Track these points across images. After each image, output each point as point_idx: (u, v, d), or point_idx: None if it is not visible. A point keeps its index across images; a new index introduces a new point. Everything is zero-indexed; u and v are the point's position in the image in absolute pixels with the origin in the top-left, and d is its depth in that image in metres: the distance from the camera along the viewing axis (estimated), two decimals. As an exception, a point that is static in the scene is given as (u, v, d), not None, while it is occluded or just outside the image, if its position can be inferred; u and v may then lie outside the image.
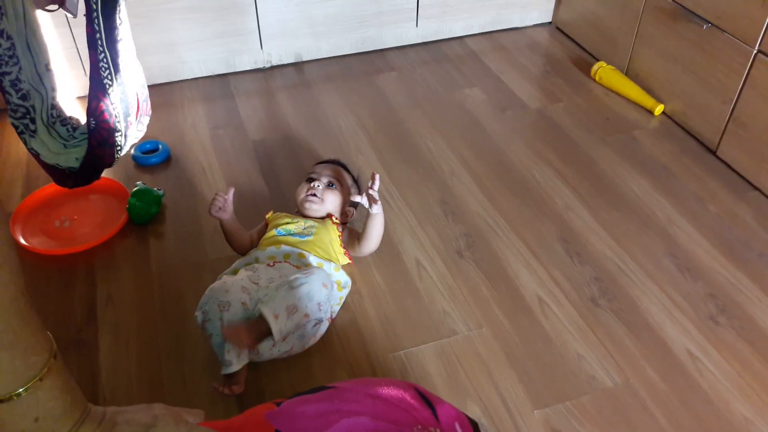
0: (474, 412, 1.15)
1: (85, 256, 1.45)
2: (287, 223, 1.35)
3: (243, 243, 1.38)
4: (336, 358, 1.24)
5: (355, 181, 1.49)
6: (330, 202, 1.38)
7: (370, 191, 1.30)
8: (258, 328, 1.11)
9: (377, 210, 1.32)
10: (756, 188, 1.63)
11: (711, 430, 1.13)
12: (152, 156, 1.72)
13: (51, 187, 1.60)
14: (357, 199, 1.33)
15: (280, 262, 1.26)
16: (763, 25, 1.51)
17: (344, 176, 1.44)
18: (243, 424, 0.81)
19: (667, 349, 1.26)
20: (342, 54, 2.19)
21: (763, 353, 1.25)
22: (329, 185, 1.40)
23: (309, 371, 1.22)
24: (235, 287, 1.16)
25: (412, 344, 1.26)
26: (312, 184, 1.39)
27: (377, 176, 1.31)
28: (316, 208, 1.37)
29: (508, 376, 1.21)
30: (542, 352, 1.25)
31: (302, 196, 1.39)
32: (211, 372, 1.19)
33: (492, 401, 1.17)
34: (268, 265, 1.26)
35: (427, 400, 0.72)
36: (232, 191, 1.34)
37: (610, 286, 1.38)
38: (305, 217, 1.38)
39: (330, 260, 1.31)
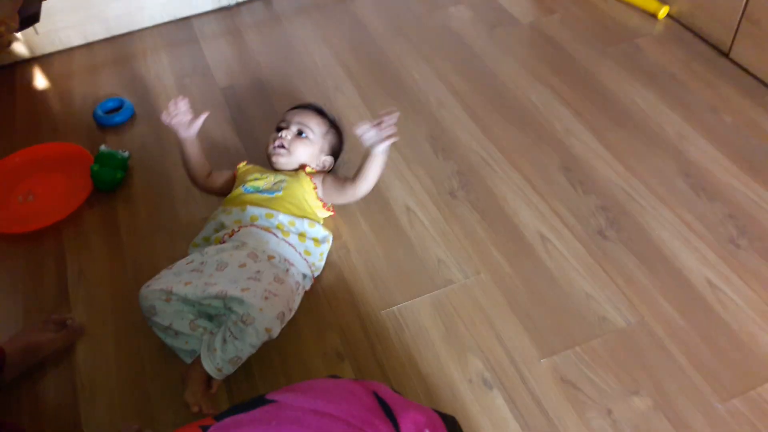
0: (476, 366, 1.06)
1: (52, 232, 1.35)
2: (256, 179, 1.23)
3: (198, 174, 1.29)
4: (325, 320, 1.15)
5: (334, 124, 1.35)
6: (300, 152, 1.26)
7: (386, 120, 1.14)
8: (198, 377, 1.03)
9: (381, 150, 1.16)
10: (775, 91, 1.49)
11: (735, 365, 1.04)
12: (115, 115, 1.59)
13: (9, 160, 1.49)
14: (363, 131, 1.14)
15: (247, 226, 1.15)
16: None
17: (317, 121, 1.30)
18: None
19: (683, 280, 1.15)
20: (314, -19, 2.01)
21: (790, 276, 1.14)
22: (299, 134, 1.27)
23: (297, 338, 1.13)
24: (169, 311, 1.05)
25: (405, 298, 1.17)
26: (279, 134, 1.26)
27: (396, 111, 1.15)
28: (284, 161, 1.25)
29: (511, 324, 1.11)
30: (547, 295, 1.15)
31: (269, 148, 1.27)
32: (191, 347, 1.10)
33: (495, 353, 1.08)
34: (228, 235, 1.15)
35: (388, 409, 0.61)
36: (203, 116, 1.24)
37: (618, 215, 1.26)
38: (277, 171, 1.26)
39: (304, 216, 1.20)
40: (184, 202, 1.39)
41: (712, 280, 1.15)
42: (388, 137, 1.14)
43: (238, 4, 1.96)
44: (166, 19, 1.91)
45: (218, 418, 0.67)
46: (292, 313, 1.10)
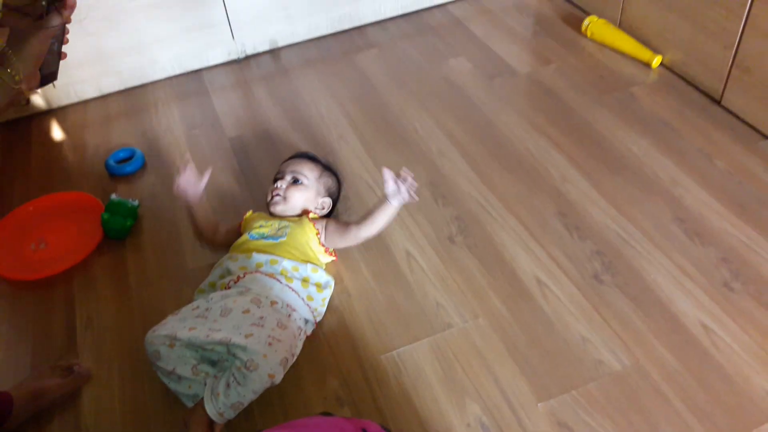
0: (474, 411, 1.08)
1: (63, 279, 1.39)
2: (260, 226, 1.27)
3: (207, 232, 1.36)
4: (326, 365, 1.17)
5: (327, 168, 1.40)
6: (296, 198, 1.31)
7: (410, 180, 1.21)
8: (201, 420, 1.05)
9: (397, 203, 1.23)
10: (766, 137, 1.52)
11: (731, 408, 1.04)
12: (126, 165, 1.64)
13: (23, 209, 1.55)
14: (388, 178, 1.21)
15: (251, 273, 1.19)
16: (760, -40, 1.39)
17: (310, 167, 1.36)
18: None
19: (678, 324, 1.17)
20: (319, 35, 2.09)
21: (784, 319, 1.16)
22: (294, 182, 1.32)
23: (298, 382, 1.15)
24: (173, 356, 1.08)
25: (404, 342, 1.19)
26: (275, 185, 1.32)
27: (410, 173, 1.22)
28: (281, 209, 1.31)
29: (509, 369, 1.13)
30: (544, 339, 1.17)
31: (268, 198, 1.33)
32: (195, 392, 1.13)
33: (492, 398, 1.09)
34: (233, 281, 1.19)
35: None
36: (207, 174, 1.30)
37: (613, 260, 1.29)
38: (280, 217, 1.30)
39: (307, 261, 1.23)
40: (191, 249, 1.43)
41: (707, 323, 1.17)
42: (409, 196, 1.21)
43: (247, 57, 2.04)
44: (178, 71, 1.99)
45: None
46: (295, 357, 1.12)
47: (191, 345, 1.08)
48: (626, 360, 1.12)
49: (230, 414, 1.05)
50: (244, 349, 1.03)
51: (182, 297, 1.30)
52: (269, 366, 1.03)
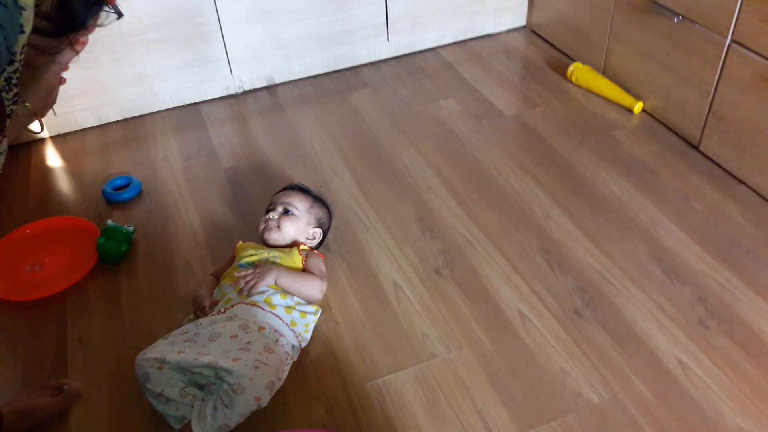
0: (456, 439, 1.10)
1: (56, 300, 1.42)
2: (250, 255, 1.31)
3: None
4: (311, 391, 1.20)
5: (318, 199, 1.45)
6: (288, 227, 1.35)
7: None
8: None
9: (261, 287, 1.25)
10: (741, 182, 1.58)
11: (704, 442, 1.08)
12: (123, 192, 1.68)
13: (20, 232, 1.58)
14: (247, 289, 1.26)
15: (237, 304, 1.22)
16: (733, 15, 1.47)
17: (301, 198, 1.41)
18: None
19: (655, 359, 1.21)
20: (315, 74, 2.16)
21: (756, 356, 1.20)
22: (285, 212, 1.37)
23: (284, 408, 1.17)
24: (161, 378, 1.11)
25: (390, 371, 1.22)
26: (268, 215, 1.37)
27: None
28: (274, 237, 1.35)
29: (491, 398, 1.16)
30: (525, 370, 1.20)
31: (260, 228, 1.37)
32: (182, 415, 1.15)
33: (474, 426, 1.12)
34: (219, 311, 1.21)
35: None
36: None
37: (593, 296, 1.33)
38: (271, 247, 1.34)
39: None
40: (183, 276, 1.46)
41: (683, 359, 1.20)
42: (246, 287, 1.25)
43: (244, 93, 2.10)
44: (177, 104, 2.05)
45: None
46: (281, 382, 1.15)
47: (180, 368, 1.10)
48: (604, 393, 1.16)
49: None
50: (230, 372, 1.05)
51: (173, 322, 1.33)
52: (256, 389, 1.05)
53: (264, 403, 1.07)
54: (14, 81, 0.82)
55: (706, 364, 1.19)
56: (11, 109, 0.84)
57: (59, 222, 1.61)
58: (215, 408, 1.06)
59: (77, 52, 0.96)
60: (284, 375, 1.16)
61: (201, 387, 1.12)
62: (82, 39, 0.96)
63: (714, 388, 1.15)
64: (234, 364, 1.06)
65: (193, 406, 1.09)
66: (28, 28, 0.78)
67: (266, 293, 1.23)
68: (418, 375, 1.21)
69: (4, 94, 0.81)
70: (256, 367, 1.07)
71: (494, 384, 1.18)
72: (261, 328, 1.16)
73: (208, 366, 1.08)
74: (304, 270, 1.32)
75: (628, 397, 1.15)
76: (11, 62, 0.78)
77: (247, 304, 1.21)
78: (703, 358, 1.20)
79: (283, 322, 1.22)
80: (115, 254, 1.48)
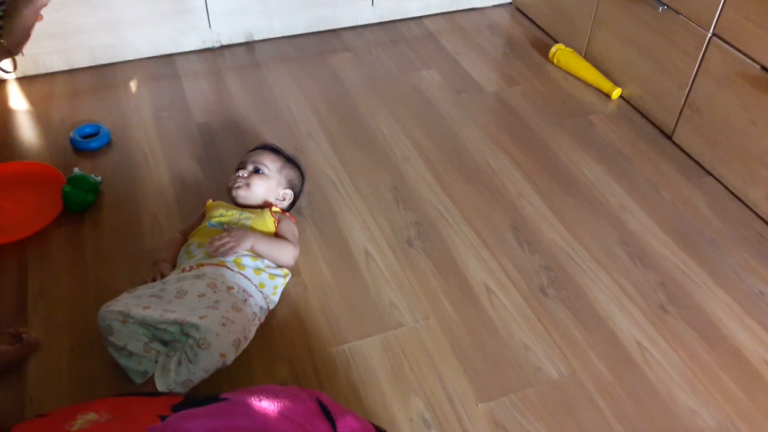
0: (417, 407, 1.12)
1: (17, 247, 1.38)
2: (221, 215, 1.29)
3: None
4: (276, 353, 1.20)
5: (290, 160, 1.43)
6: (258, 186, 1.34)
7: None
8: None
9: (236, 252, 1.22)
10: (710, 174, 1.62)
11: (656, 421, 1.12)
12: (91, 140, 1.64)
13: (-20, 175, 1.52)
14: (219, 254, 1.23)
15: (204, 265, 1.20)
16: (717, 8, 1.48)
17: (272, 158, 1.39)
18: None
19: (615, 340, 1.24)
20: (295, 33, 2.12)
21: (711, 342, 1.24)
22: (256, 171, 1.35)
23: (248, 368, 1.17)
24: (125, 332, 1.09)
25: (356, 337, 1.23)
26: (238, 173, 1.34)
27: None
28: (243, 195, 1.33)
29: (453, 369, 1.18)
30: (488, 343, 1.22)
31: (229, 185, 1.35)
32: (145, 369, 1.14)
33: (436, 395, 1.14)
34: (184, 270, 1.20)
35: (327, 412, 0.67)
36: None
37: (559, 275, 1.36)
38: (242, 207, 1.32)
39: None
40: (149, 229, 1.43)
41: (641, 341, 1.24)
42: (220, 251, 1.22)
43: (221, 47, 2.05)
44: (151, 54, 1.99)
45: (175, 409, 0.71)
46: (247, 341, 1.15)
47: (144, 323, 1.09)
48: (564, 369, 1.19)
49: (179, 390, 1.06)
50: (197, 328, 1.04)
51: (138, 276, 1.31)
52: (221, 345, 1.05)
53: (229, 360, 1.07)
54: None
55: (662, 346, 1.23)
56: None
57: (23, 167, 1.56)
58: (179, 363, 1.05)
59: None
60: (251, 335, 1.16)
61: (165, 343, 1.11)
62: None
63: (669, 370, 1.19)
64: (201, 321, 1.05)
65: (156, 362, 1.08)
66: None
67: (236, 254, 1.22)
68: (384, 343, 1.22)
69: None
70: (223, 324, 1.06)
71: (458, 355, 1.20)
72: (229, 288, 1.15)
73: (174, 323, 1.07)
74: (276, 233, 1.31)
75: (587, 374, 1.18)
76: None
77: (216, 264, 1.20)
78: (660, 341, 1.24)
79: (252, 283, 1.21)
80: (80, 203, 1.45)
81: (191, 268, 1.20)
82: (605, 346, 1.23)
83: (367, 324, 1.25)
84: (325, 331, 1.24)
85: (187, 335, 1.06)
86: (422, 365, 1.18)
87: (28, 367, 1.17)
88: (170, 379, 1.05)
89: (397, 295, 1.31)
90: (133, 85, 1.89)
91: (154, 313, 1.09)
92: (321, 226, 1.45)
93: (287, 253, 1.28)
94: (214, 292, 1.13)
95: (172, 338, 1.10)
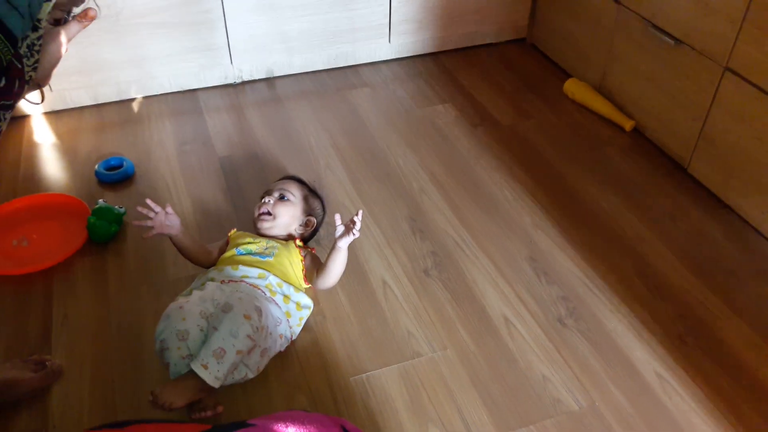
0: (436, 437, 1.12)
1: (43, 276, 1.41)
2: (248, 243, 1.31)
3: (201, 257, 1.34)
4: (296, 382, 1.21)
5: (313, 191, 1.46)
6: (283, 214, 1.36)
7: (356, 218, 1.26)
8: (189, 384, 1.06)
9: (342, 245, 1.27)
10: (726, 205, 1.62)
11: (677, 454, 1.10)
12: (116, 173, 1.68)
13: (8, 206, 1.57)
14: (338, 221, 1.27)
15: (236, 281, 1.23)
16: (731, 42, 1.51)
17: (297, 186, 1.42)
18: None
19: (634, 371, 1.23)
20: (315, 69, 2.18)
21: (732, 374, 1.23)
22: (281, 198, 1.37)
23: (268, 396, 1.18)
24: (192, 314, 1.12)
25: (374, 367, 1.23)
26: (264, 200, 1.37)
27: (361, 212, 1.28)
28: (267, 226, 1.35)
29: (472, 400, 1.18)
30: (507, 374, 1.22)
31: (255, 215, 1.37)
32: (166, 397, 1.15)
33: (454, 426, 1.13)
34: (221, 282, 1.22)
35: None
36: (169, 207, 1.30)
37: (577, 306, 1.36)
38: (268, 237, 1.35)
39: (290, 283, 1.28)
40: (172, 260, 1.46)
41: (661, 372, 1.23)
42: (352, 233, 1.25)
43: (243, 83, 2.11)
44: (175, 89, 2.05)
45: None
46: (270, 352, 1.19)
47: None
48: (583, 401, 1.18)
49: (213, 364, 1.05)
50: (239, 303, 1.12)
51: (160, 305, 1.32)
52: (244, 308, 1.09)
53: (255, 322, 1.09)
54: (36, 48, 0.82)
55: (683, 377, 1.22)
56: (30, 76, 0.84)
57: (50, 198, 1.60)
58: (205, 338, 1.09)
59: (84, 26, 0.97)
60: (273, 350, 1.19)
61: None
62: (91, 13, 0.97)
63: (689, 401, 1.18)
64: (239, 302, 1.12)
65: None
66: None
67: (266, 279, 1.24)
68: (402, 373, 1.22)
69: (25, 60, 0.81)
70: (246, 301, 1.14)
71: (476, 385, 1.20)
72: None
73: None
74: (304, 264, 1.32)
75: (606, 405, 1.17)
76: (35, 28, 0.78)
77: (248, 283, 1.22)
78: (680, 373, 1.23)
79: (280, 309, 1.23)
80: (105, 234, 1.48)
81: (222, 282, 1.22)
82: (625, 377, 1.22)
83: (385, 354, 1.26)
84: (344, 360, 1.25)
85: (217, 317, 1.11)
86: (440, 395, 1.19)
87: (51, 395, 1.18)
88: (201, 355, 1.06)
89: (414, 325, 1.31)
90: (157, 120, 1.94)
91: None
92: (339, 257, 1.47)
93: (341, 275, 1.32)
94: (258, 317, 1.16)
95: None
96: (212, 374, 1.06)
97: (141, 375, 1.21)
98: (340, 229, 1.28)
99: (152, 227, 1.28)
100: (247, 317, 1.09)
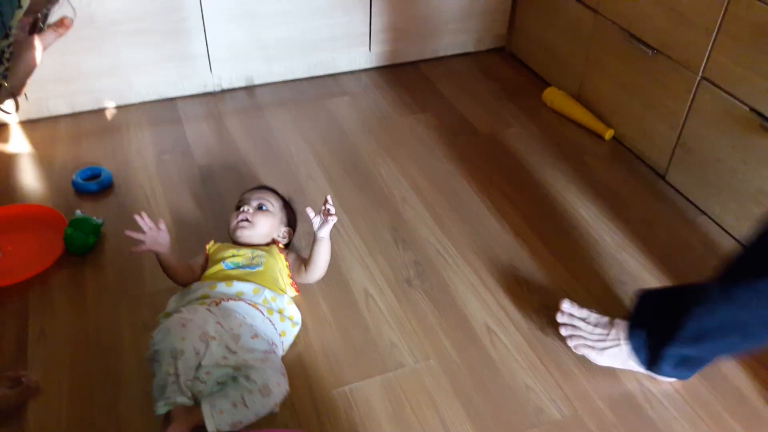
0: (419, 448, 1.11)
1: (19, 289, 1.38)
2: (233, 256, 1.29)
3: (186, 276, 1.31)
4: (278, 394, 1.20)
5: (287, 202, 1.45)
6: (262, 223, 1.35)
7: (327, 206, 1.28)
8: (195, 417, 1.04)
9: (324, 234, 1.29)
10: (704, 213, 1.65)
11: (659, 461, 1.11)
12: (93, 183, 1.66)
13: (-17, 217, 1.54)
14: (311, 215, 1.29)
15: (233, 299, 1.21)
16: (706, 52, 1.53)
17: (274, 197, 1.41)
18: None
19: (617, 380, 1.24)
20: (294, 78, 2.17)
21: (714, 384, 1.24)
22: (259, 207, 1.36)
23: (249, 409, 1.16)
24: (192, 335, 1.08)
25: (357, 378, 1.23)
26: (241, 209, 1.36)
27: (329, 197, 1.30)
28: (248, 234, 1.33)
29: (455, 410, 1.18)
30: (490, 384, 1.22)
31: (233, 224, 1.35)
32: (147, 414, 1.13)
33: (438, 437, 1.13)
34: (218, 302, 1.20)
35: None
36: (162, 223, 1.27)
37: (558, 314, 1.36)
38: (249, 246, 1.34)
39: (283, 292, 1.27)
40: (150, 272, 1.44)
41: (643, 382, 1.24)
42: (329, 216, 1.28)
43: (222, 91, 2.09)
44: (153, 97, 2.03)
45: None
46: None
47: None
48: (566, 410, 1.19)
49: (225, 429, 1.05)
50: (259, 371, 1.08)
51: (138, 317, 1.32)
52: (280, 395, 1.10)
53: (274, 398, 1.10)
54: (6, 56, 0.81)
55: (665, 388, 1.23)
56: (0, 84, 0.83)
57: (25, 209, 1.57)
58: (234, 405, 1.05)
59: (60, 35, 0.95)
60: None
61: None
62: (66, 22, 0.95)
63: (671, 410, 1.19)
64: (264, 365, 1.10)
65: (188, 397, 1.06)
66: (25, 4, 0.77)
67: (262, 293, 1.23)
68: (385, 384, 1.22)
69: None
70: (283, 375, 1.12)
71: (459, 396, 1.20)
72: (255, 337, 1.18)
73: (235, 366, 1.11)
74: (290, 266, 1.33)
75: (589, 415, 1.18)
76: (6, 36, 0.77)
77: (246, 302, 1.20)
78: (666, 386, 1.24)
79: (276, 330, 1.22)
80: (82, 246, 1.46)
81: (219, 301, 1.19)
82: (607, 387, 1.23)
83: (367, 365, 1.25)
84: (326, 372, 1.24)
85: (247, 378, 1.07)
86: (424, 406, 1.18)
87: (27, 411, 1.16)
88: (222, 419, 1.04)
89: (397, 335, 1.31)
90: (135, 129, 1.92)
91: (216, 354, 1.11)
92: (321, 267, 1.46)
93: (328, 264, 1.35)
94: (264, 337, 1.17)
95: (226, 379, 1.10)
96: (216, 423, 1.04)
97: (119, 391, 1.19)
98: (317, 220, 1.29)
99: (143, 242, 1.24)
100: (277, 405, 1.10)
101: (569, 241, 1.55)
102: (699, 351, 1.15)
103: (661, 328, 1.17)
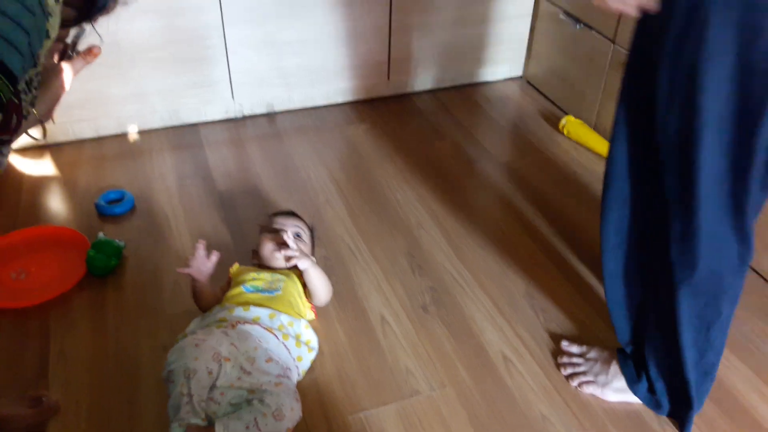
0: (434, 477, 1.11)
1: (40, 310, 1.41)
2: (253, 279, 1.31)
3: (211, 303, 1.32)
4: (293, 419, 1.20)
5: (311, 230, 1.47)
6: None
7: (286, 240, 1.29)
8: None
9: (303, 266, 1.29)
10: (721, 244, 1.64)
11: (677, 496, 1.10)
12: (116, 206, 1.69)
13: (7, 238, 1.57)
14: (292, 262, 1.30)
15: (249, 323, 1.22)
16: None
17: (305, 226, 1.43)
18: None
19: (632, 409, 1.23)
20: (314, 105, 2.20)
21: (729, 413, 1.23)
22: (297, 236, 1.37)
23: (265, 433, 1.17)
24: (205, 355, 1.09)
25: (373, 405, 1.23)
26: (281, 233, 1.33)
27: (286, 235, 1.31)
28: (294, 262, 1.30)
29: (471, 439, 1.17)
30: (506, 413, 1.22)
31: (270, 247, 1.34)
32: (163, 434, 1.14)
33: (453, 466, 1.13)
34: (233, 324, 1.21)
35: None
36: (216, 256, 1.33)
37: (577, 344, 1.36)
38: (270, 269, 1.35)
39: (300, 317, 1.28)
40: (170, 294, 1.46)
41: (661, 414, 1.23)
42: (294, 258, 1.28)
43: (244, 117, 2.13)
44: (176, 123, 2.07)
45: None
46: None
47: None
48: (582, 440, 1.18)
49: None
50: (273, 395, 1.08)
51: (158, 340, 1.33)
52: (293, 420, 1.09)
53: (287, 422, 1.09)
54: (34, 84, 0.84)
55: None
56: (28, 111, 0.86)
57: (49, 231, 1.61)
58: (247, 427, 1.05)
59: (88, 62, 0.99)
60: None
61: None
62: (95, 50, 0.98)
63: (688, 443, 1.18)
64: (278, 388, 1.10)
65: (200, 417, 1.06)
66: (53, 34, 0.80)
67: (278, 319, 1.24)
68: (401, 411, 1.22)
69: (23, 95, 0.82)
70: (297, 400, 1.12)
71: (475, 425, 1.20)
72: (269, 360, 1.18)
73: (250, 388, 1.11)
74: (305, 291, 1.34)
75: (605, 446, 1.17)
76: (34, 65, 0.80)
77: (262, 327, 1.22)
78: (678, 413, 1.23)
79: (291, 355, 1.22)
80: (104, 268, 1.48)
81: (235, 324, 1.20)
82: (624, 417, 1.22)
83: (383, 391, 1.25)
84: (342, 398, 1.24)
85: (261, 401, 1.07)
86: (439, 434, 1.18)
87: (47, 430, 1.17)
88: (235, 423, 1.04)
89: (413, 362, 1.31)
90: (157, 153, 1.95)
91: (231, 377, 1.12)
92: (338, 291, 1.47)
93: (329, 288, 1.35)
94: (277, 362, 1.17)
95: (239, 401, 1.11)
96: None
97: (138, 411, 1.20)
98: (292, 261, 1.29)
99: (190, 266, 1.30)
100: (289, 430, 1.10)
101: (586, 271, 1.55)
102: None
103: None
